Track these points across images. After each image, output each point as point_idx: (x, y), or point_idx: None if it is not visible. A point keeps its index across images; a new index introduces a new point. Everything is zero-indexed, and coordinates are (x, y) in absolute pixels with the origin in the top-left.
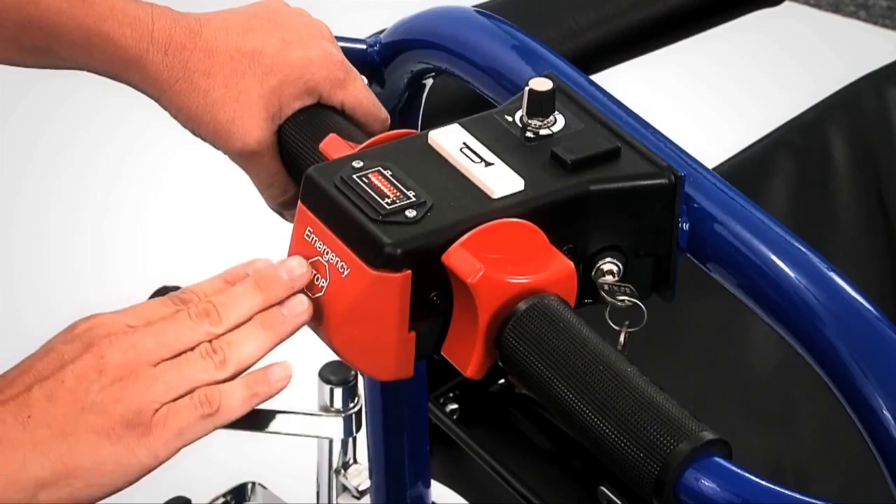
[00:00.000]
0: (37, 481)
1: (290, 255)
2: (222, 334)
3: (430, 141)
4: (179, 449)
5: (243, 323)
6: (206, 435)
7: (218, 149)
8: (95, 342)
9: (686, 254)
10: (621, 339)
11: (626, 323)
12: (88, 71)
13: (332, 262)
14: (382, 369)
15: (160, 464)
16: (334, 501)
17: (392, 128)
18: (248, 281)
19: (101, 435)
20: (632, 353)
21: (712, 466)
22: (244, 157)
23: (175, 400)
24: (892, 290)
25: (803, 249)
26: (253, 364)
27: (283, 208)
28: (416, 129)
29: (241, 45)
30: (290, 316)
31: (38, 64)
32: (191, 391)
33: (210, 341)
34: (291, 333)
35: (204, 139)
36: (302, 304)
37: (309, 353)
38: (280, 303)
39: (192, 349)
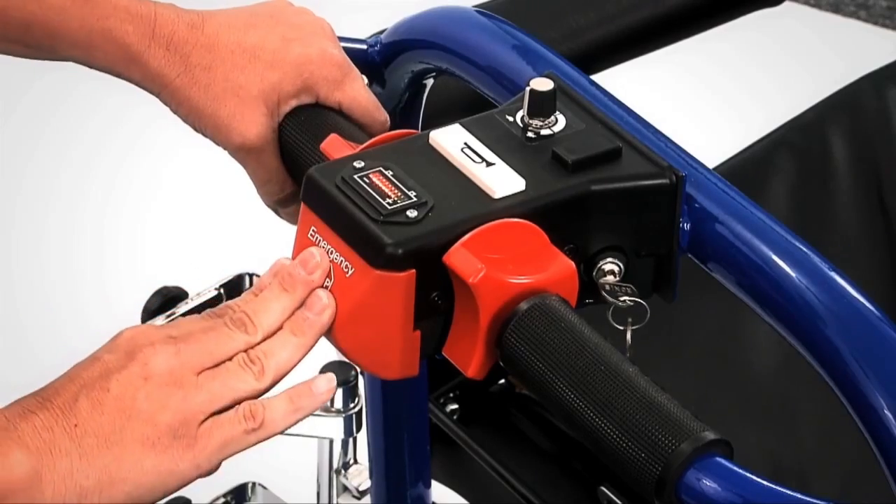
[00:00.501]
0: (81, 490)
1: (294, 254)
2: (259, 342)
3: (431, 141)
4: (221, 462)
5: (278, 329)
6: (248, 448)
7: (218, 144)
8: (139, 350)
9: (687, 254)
10: (628, 338)
11: (630, 320)
12: (90, 67)
13: (336, 261)
14: (388, 368)
15: (199, 477)
16: (334, 501)
17: (392, 128)
18: (273, 284)
19: (147, 445)
20: (632, 352)
21: (714, 466)
22: (243, 152)
23: (220, 412)
24: (892, 290)
25: (804, 249)
26: (290, 370)
27: (280, 205)
28: (417, 129)
29: (242, 41)
30: (315, 316)
31: (41, 58)
32: (234, 402)
33: (247, 351)
34: (322, 332)
35: (204, 134)
36: (321, 301)
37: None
38: (305, 304)
39: (230, 359)
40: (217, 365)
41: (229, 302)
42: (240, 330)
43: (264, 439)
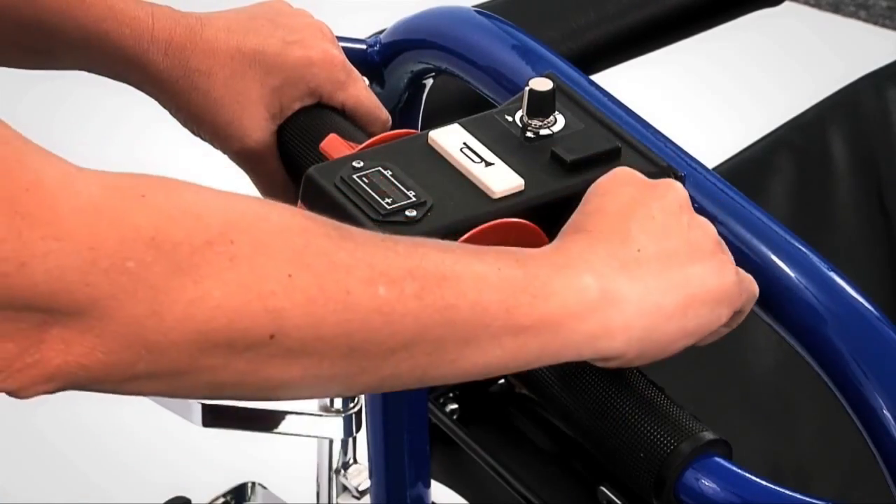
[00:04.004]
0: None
1: None
2: None
3: (430, 141)
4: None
5: None
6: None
7: (217, 148)
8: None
9: None
10: None
11: None
12: (89, 71)
13: None
14: None
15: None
16: (334, 501)
17: (392, 128)
18: None
19: (703, 259)
20: None
21: (712, 466)
22: (244, 158)
23: None
24: (892, 290)
25: (803, 249)
26: None
27: None
28: (416, 129)
29: (241, 46)
30: None
31: (39, 66)
32: None
33: None
34: None
35: (204, 139)
36: None
37: None
38: None
39: None
40: None
41: None
42: None
43: None
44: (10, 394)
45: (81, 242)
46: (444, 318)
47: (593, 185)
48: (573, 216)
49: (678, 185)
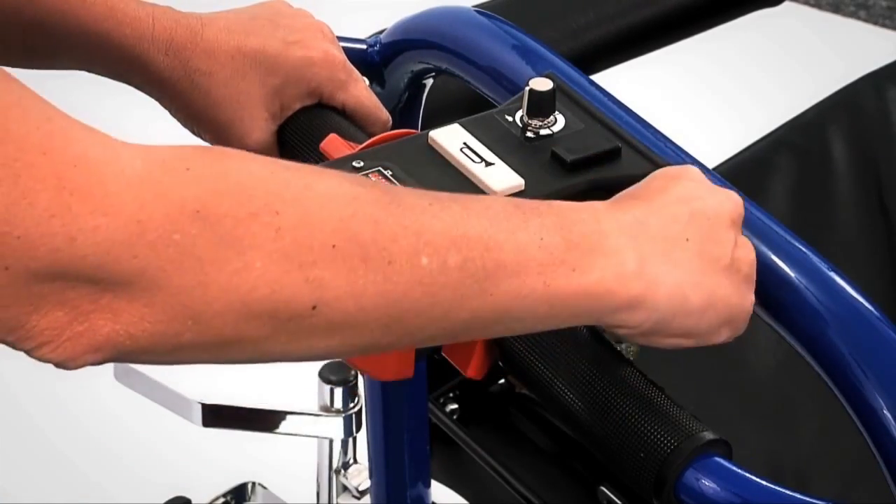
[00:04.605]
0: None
1: None
2: None
3: (430, 141)
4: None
5: None
6: None
7: None
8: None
9: None
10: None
11: None
12: (90, 72)
13: None
14: (383, 369)
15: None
16: (334, 501)
17: (392, 128)
18: None
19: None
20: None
21: (713, 466)
22: None
23: None
24: (892, 290)
25: (803, 249)
26: None
27: None
28: (417, 129)
29: (242, 46)
30: None
31: (39, 66)
32: None
33: None
34: None
35: (204, 139)
36: None
37: None
38: None
39: None
40: None
41: None
42: None
43: None
44: (58, 364)
45: (129, 216)
46: (483, 289)
47: (663, 169)
48: (634, 186)
49: (739, 199)
